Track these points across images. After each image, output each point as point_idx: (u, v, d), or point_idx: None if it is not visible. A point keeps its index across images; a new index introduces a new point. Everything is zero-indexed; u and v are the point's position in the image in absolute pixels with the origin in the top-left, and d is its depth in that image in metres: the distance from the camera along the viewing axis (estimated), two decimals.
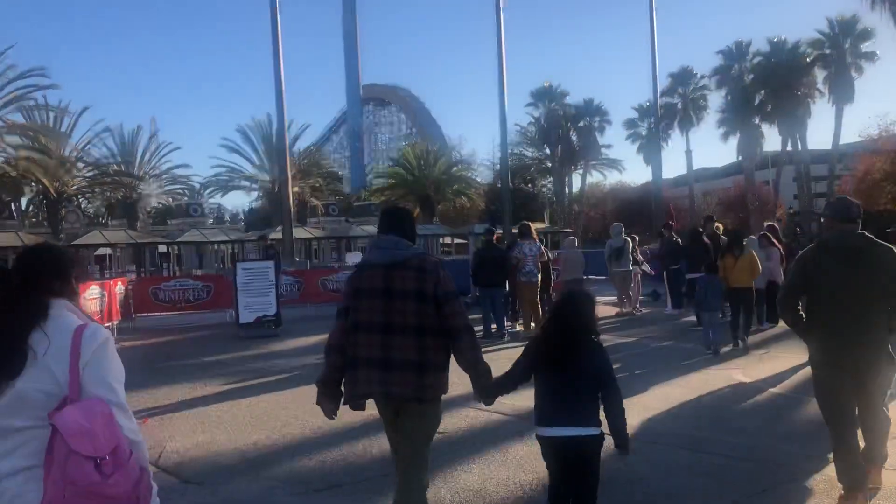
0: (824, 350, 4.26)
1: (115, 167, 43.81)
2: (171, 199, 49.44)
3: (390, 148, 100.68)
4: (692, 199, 49.53)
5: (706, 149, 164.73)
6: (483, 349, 3.61)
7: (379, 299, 3.44)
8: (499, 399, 3.63)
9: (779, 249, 12.15)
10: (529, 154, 52.80)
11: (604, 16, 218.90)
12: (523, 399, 6.71)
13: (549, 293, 13.25)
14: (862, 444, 4.31)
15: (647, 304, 16.10)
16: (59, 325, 2.06)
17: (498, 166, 34.64)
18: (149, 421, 6.75)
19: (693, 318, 12.42)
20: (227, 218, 59.69)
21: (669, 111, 45.01)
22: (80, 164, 42.49)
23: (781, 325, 11.67)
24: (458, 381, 3.70)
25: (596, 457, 3.44)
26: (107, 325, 12.28)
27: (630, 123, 48.85)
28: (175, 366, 10.25)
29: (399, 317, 3.39)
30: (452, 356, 3.51)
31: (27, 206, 46.57)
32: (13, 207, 41.58)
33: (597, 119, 49.22)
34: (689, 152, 48.43)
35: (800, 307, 4.45)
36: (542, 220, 48.54)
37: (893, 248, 4.17)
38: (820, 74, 39.70)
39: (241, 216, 60.50)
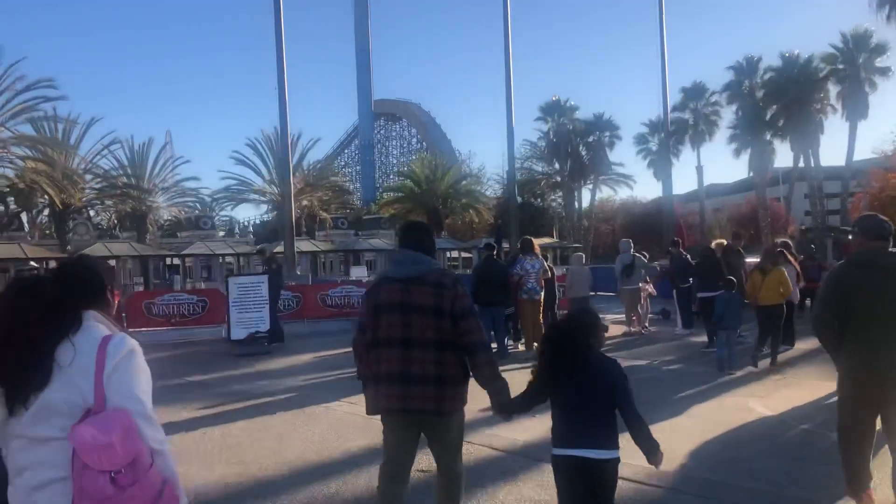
0: (855, 368, 4.19)
1: (125, 179, 43.56)
2: (182, 212, 49.24)
3: (401, 162, 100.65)
4: (703, 215, 48.81)
5: (718, 164, 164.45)
6: None
7: (398, 314, 3.51)
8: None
9: (794, 267, 11.55)
10: (539, 168, 52.41)
11: (615, 31, 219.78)
12: (520, 431, 6.33)
13: (553, 311, 12.69)
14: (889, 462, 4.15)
15: (656, 322, 15.51)
16: (87, 336, 2.07)
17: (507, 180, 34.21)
18: None
19: (705, 338, 11.83)
20: (237, 231, 59.58)
21: (681, 126, 44.41)
22: (89, 176, 42.32)
23: (797, 348, 11.07)
24: None
25: (609, 483, 3.12)
26: None
27: (640, 139, 48.22)
28: (155, 387, 9.68)
29: (417, 331, 3.46)
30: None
31: (37, 218, 46.44)
32: (24, 218, 41.55)
33: (607, 134, 48.76)
34: (700, 168, 47.78)
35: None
36: (551, 235, 48.12)
37: None
38: (833, 90, 38.93)
39: (251, 228, 60.26)
